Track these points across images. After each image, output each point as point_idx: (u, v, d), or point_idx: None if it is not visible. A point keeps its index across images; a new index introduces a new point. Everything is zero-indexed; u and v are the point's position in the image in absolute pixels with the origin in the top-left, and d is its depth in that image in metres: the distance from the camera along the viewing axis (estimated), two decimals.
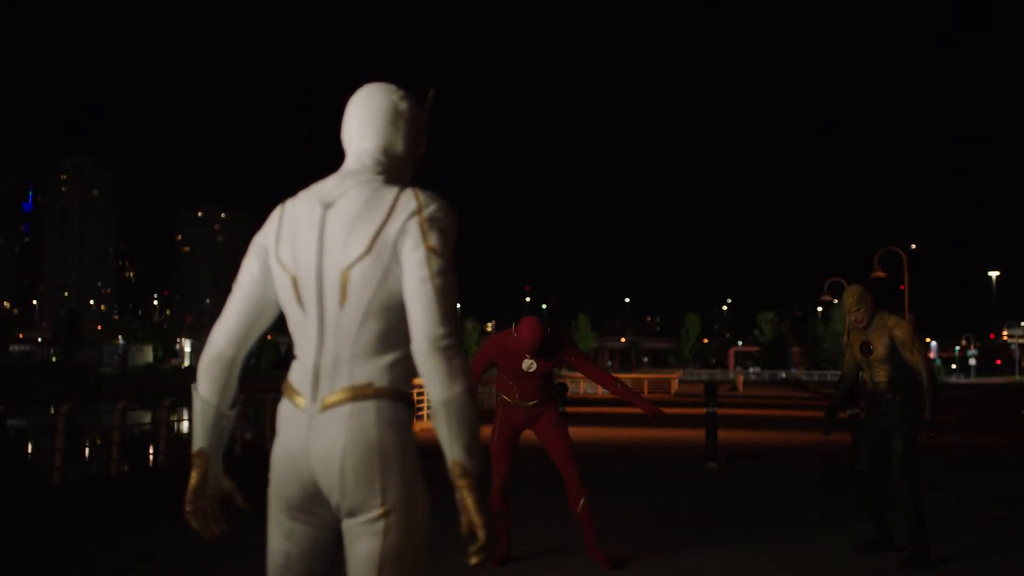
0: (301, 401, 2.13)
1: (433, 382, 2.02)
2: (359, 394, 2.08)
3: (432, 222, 2.10)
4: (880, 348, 6.30)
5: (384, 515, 2.06)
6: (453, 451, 2.02)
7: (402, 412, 2.11)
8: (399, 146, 2.30)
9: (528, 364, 6.03)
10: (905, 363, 6.27)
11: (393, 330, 2.11)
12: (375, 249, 2.09)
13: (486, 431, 5.94)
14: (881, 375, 6.31)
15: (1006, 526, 7.78)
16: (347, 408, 2.07)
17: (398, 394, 2.11)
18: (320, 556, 2.20)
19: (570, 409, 12.69)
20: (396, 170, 2.29)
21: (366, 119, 2.29)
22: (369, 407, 2.07)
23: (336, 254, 2.12)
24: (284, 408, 2.18)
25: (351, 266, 2.10)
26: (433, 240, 2.08)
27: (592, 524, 6.02)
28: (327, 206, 2.17)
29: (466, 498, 2.02)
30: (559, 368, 6.05)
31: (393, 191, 2.16)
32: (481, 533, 2.02)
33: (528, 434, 6.35)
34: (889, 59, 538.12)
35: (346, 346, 2.11)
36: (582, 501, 5.98)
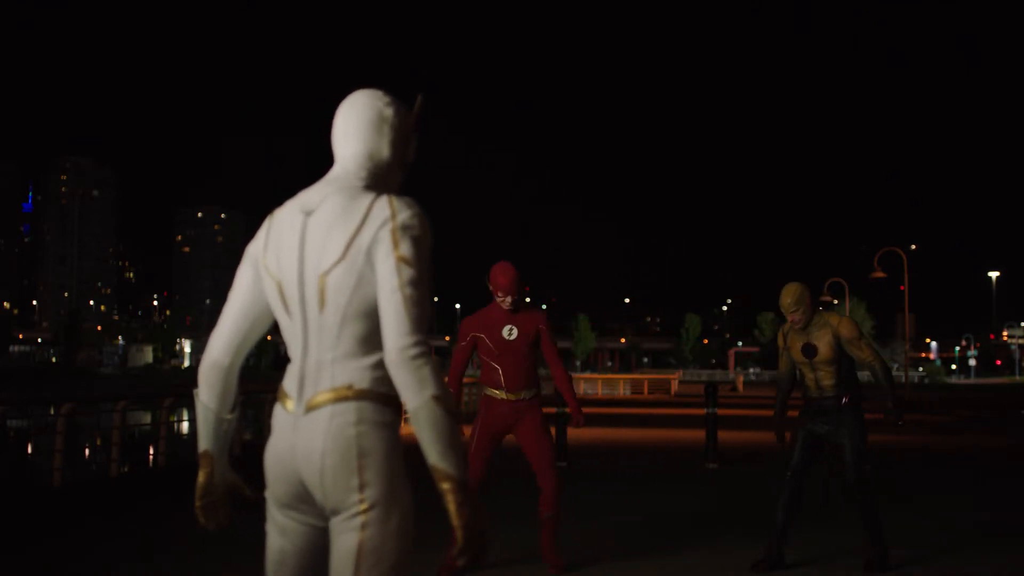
0: (290, 404, 2.21)
1: (404, 392, 2.06)
2: (340, 396, 2.14)
3: (404, 230, 2.14)
4: (825, 348, 5.94)
5: (364, 511, 2.10)
6: (430, 456, 2.05)
7: (384, 413, 2.15)
8: (384, 152, 2.33)
9: (509, 330, 5.74)
10: (851, 363, 5.99)
11: (373, 333, 2.16)
12: (349, 256, 2.14)
13: (468, 430, 5.79)
14: (827, 378, 5.99)
15: (987, 527, 7.75)
16: (328, 410, 2.13)
17: (379, 395, 2.15)
18: (314, 553, 2.25)
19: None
20: (381, 175, 2.32)
21: (350, 125, 2.33)
22: (349, 408, 2.13)
23: (314, 260, 2.18)
24: (276, 411, 2.26)
25: (327, 272, 2.16)
26: (404, 249, 2.12)
27: (554, 531, 5.85)
28: (308, 213, 2.23)
29: (448, 503, 2.05)
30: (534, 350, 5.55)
31: (369, 198, 2.20)
32: (459, 535, 2.05)
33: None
34: (888, 58, 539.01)
35: (328, 349, 2.17)
36: (552, 513, 5.80)
